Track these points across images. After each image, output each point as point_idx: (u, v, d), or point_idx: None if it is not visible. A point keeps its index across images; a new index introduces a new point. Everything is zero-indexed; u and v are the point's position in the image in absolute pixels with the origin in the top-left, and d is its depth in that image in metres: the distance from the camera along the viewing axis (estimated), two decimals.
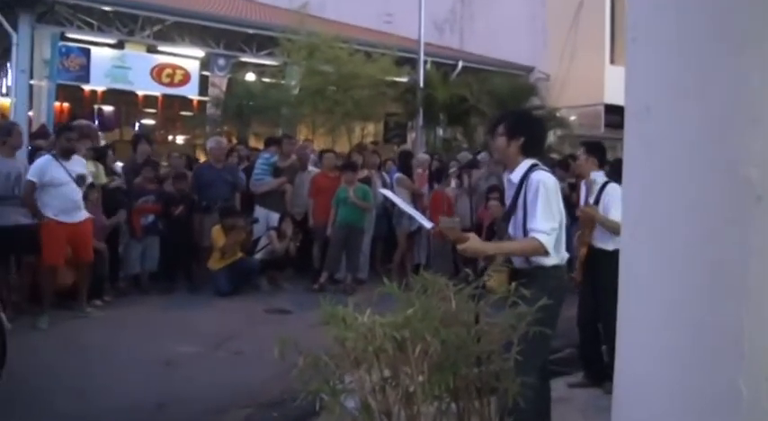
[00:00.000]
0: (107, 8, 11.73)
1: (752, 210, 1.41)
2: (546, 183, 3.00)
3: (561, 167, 8.13)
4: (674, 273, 1.51)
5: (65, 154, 6.13)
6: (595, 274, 4.35)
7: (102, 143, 9.21)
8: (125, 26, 12.39)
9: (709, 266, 1.45)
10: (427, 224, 3.54)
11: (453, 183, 8.32)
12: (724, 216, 1.43)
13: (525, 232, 3.02)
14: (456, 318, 2.27)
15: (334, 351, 2.16)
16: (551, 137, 13.27)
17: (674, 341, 1.50)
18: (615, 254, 4.43)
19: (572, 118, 15.10)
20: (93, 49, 12.21)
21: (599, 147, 4.83)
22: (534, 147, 3.17)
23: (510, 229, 3.15)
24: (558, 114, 14.41)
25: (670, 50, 1.50)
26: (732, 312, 1.41)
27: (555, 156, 9.53)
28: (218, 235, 7.46)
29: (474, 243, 2.96)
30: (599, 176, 4.59)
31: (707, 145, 1.45)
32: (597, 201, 4.47)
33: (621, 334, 1.73)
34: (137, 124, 16.43)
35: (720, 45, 1.41)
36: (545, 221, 2.95)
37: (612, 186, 4.45)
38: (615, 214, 4.29)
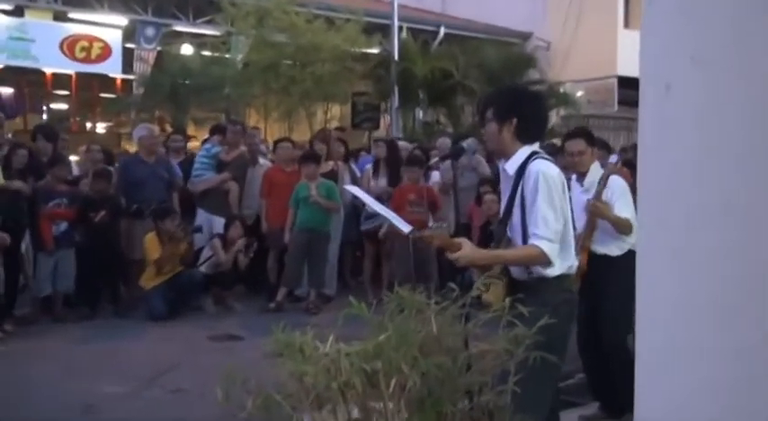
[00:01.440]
0: None
1: None
2: (547, 176, 2.99)
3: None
4: (705, 284, 1.50)
5: None
6: (596, 286, 4.36)
7: None
8: None
9: (750, 272, 1.43)
10: (405, 228, 3.52)
11: (436, 175, 8.33)
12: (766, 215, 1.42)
13: (525, 236, 3.01)
14: (439, 344, 2.26)
15: (291, 388, 2.14)
16: (554, 117, 13.38)
17: (710, 365, 1.48)
18: (620, 260, 4.53)
19: (579, 94, 15.24)
20: None
21: (591, 134, 4.89)
22: (531, 130, 3.15)
23: (508, 231, 3.15)
24: (561, 90, 14.55)
25: (698, 13, 1.46)
26: None
27: (555, 141, 9.59)
28: (152, 245, 7.35)
29: (467, 251, 2.95)
30: (613, 160, 4.64)
31: (743, 129, 1.43)
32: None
33: (642, 357, 1.71)
34: (44, 110, 16.20)
35: (762, 7, 1.38)
36: (547, 224, 2.94)
37: (614, 178, 4.50)
38: (621, 211, 4.33)
